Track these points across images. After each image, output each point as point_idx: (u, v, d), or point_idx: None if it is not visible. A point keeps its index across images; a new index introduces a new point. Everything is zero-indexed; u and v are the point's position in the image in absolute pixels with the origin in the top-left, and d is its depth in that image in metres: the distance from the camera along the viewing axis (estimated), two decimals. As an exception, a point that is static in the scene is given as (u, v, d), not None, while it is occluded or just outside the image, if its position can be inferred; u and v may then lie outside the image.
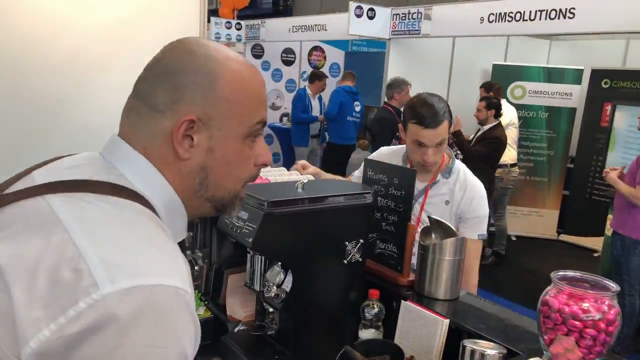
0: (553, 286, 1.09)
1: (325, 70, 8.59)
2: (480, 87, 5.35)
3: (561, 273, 1.12)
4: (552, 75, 6.26)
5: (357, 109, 6.17)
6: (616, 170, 3.59)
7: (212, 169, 0.75)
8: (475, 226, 1.82)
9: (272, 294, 1.31)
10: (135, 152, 0.74)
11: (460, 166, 1.91)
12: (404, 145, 1.92)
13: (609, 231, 3.94)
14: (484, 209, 1.86)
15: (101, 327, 0.57)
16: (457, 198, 1.84)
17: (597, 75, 6.02)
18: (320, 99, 6.88)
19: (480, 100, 4.92)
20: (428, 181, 1.86)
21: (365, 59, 7.91)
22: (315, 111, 6.70)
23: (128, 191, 0.70)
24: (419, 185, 1.81)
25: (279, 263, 1.33)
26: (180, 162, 0.74)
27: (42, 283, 0.59)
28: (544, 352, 1.10)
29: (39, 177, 0.73)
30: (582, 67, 6.13)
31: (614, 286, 1.06)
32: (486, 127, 4.80)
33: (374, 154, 2.14)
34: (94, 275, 0.59)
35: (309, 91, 6.66)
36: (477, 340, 1.18)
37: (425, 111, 1.75)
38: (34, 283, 0.59)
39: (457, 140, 4.60)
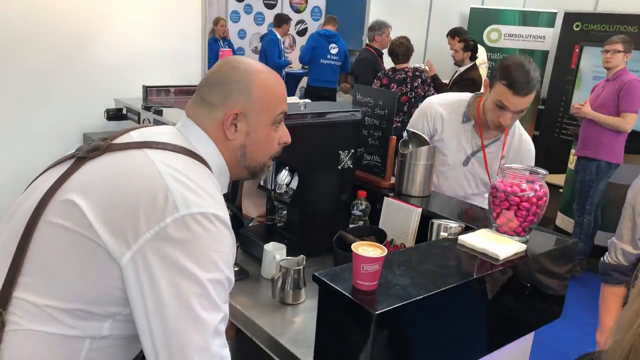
0: (500, 174, 1.44)
1: (306, 13, 8.68)
2: (447, 34, 5.54)
3: (507, 165, 1.46)
4: (527, 18, 6.51)
5: (333, 51, 6.19)
6: (584, 104, 3.96)
7: (249, 147, 1.14)
8: None
9: (283, 191, 1.64)
10: (200, 130, 1.10)
11: (516, 123, 1.97)
12: (468, 96, 1.98)
13: (572, 164, 4.34)
14: (532, 160, 2.00)
15: (179, 233, 0.91)
16: (514, 150, 1.98)
17: (570, 18, 6.28)
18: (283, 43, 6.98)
19: (459, 41, 5.17)
20: (494, 136, 1.96)
21: (346, 2, 8.00)
22: (284, 56, 6.82)
23: (196, 155, 1.06)
24: (485, 141, 1.95)
25: (287, 167, 1.65)
26: (228, 142, 1.11)
27: (144, 202, 0.93)
28: (492, 224, 1.45)
29: (136, 136, 1.08)
30: (556, 11, 6.39)
31: (543, 171, 1.40)
32: (462, 69, 5.08)
33: (436, 98, 2.14)
34: (176, 203, 0.93)
35: (278, 35, 6.72)
36: (442, 220, 1.53)
37: (520, 76, 1.72)
38: (139, 203, 0.94)
39: (434, 83, 4.89)
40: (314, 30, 6.85)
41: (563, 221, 4.58)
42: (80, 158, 1.03)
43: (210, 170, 1.08)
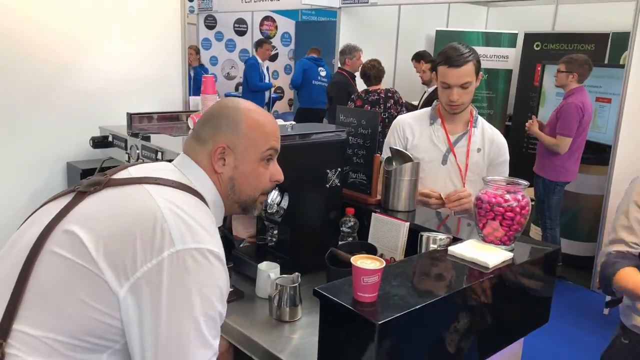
0: (484, 186, 1.50)
1: (276, 40, 8.82)
2: (412, 58, 5.75)
3: (489, 177, 1.53)
4: (490, 39, 6.77)
5: (322, 74, 6.52)
6: (533, 122, 4.13)
7: (237, 180, 1.19)
8: (503, 170, 2.08)
9: (274, 211, 1.67)
10: (196, 165, 1.16)
11: (481, 118, 2.13)
12: (433, 105, 2.14)
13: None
14: (507, 154, 2.11)
15: (175, 268, 0.95)
16: (487, 146, 2.07)
17: (530, 38, 6.58)
18: (268, 68, 7.13)
19: (425, 62, 5.35)
20: (461, 131, 2.08)
21: (315, 28, 8.17)
22: (267, 79, 6.97)
23: (193, 190, 1.11)
24: (452, 137, 2.07)
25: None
26: (217, 175, 1.17)
27: (142, 235, 0.96)
28: (479, 234, 1.51)
29: (135, 172, 1.12)
30: (517, 32, 6.67)
31: (524, 182, 1.48)
32: (431, 89, 5.24)
33: (404, 114, 2.32)
34: (172, 236, 0.97)
35: (259, 59, 6.87)
36: (431, 232, 1.59)
37: (451, 52, 1.93)
38: (137, 235, 0.97)
39: (406, 108, 5.04)
40: (284, 58, 7.00)
41: (536, 232, 4.72)
42: (81, 192, 1.06)
43: (207, 204, 1.12)
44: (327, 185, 1.77)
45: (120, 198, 1.04)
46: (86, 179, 1.10)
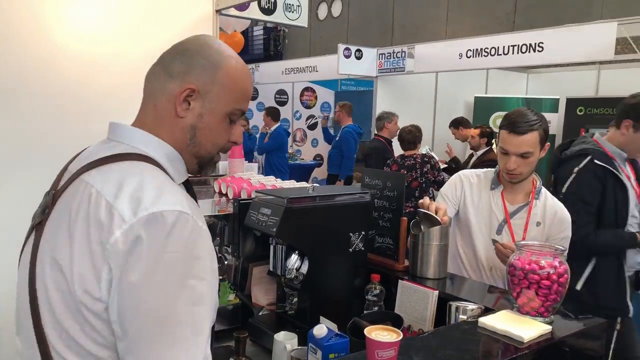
0: (517, 252, 1.39)
1: (316, 109, 9.03)
2: (450, 125, 5.77)
3: (523, 242, 1.42)
4: (531, 105, 6.69)
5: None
6: None
7: (199, 130, 1.02)
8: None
9: (292, 276, 1.59)
10: (132, 128, 1.01)
11: (545, 190, 1.97)
12: (496, 167, 2.00)
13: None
14: (568, 230, 1.93)
15: (133, 243, 0.84)
16: (548, 220, 1.91)
17: (572, 103, 6.45)
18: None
19: (475, 128, 5.39)
20: (521, 202, 1.94)
21: (354, 97, 8.33)
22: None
23: (133, 155, 0.96)
24: (510, 207, 1.94)
25: (296, 251, 1.62)
26: (177, 119, 1.01)
27: (93, 229, 0.87)
28: (513, 305, 1.38)
29: (74, 167, 1.00)
30: (558, 97, 6.58)
31: (561, 247, 1.35)
32: (479, 152, 5.23)
33: (467, 170, 2.23)
34: (122, 214, 0.85)
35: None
36: (460, 302, 1.46)
37: (516, 117, 1.81)
38: (86, 224, 0.88)
39: (456, 165, 4.99)
40: (318, 126, 7.13)
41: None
42: (37, 225, 0.98)
43: (157, 164, 0.98)
44: (351, 250, 1.68)
45: (65, 209, 0.93)
46: (39, 207, 1.01)
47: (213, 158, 1.08)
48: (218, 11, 2.52)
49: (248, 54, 11.18)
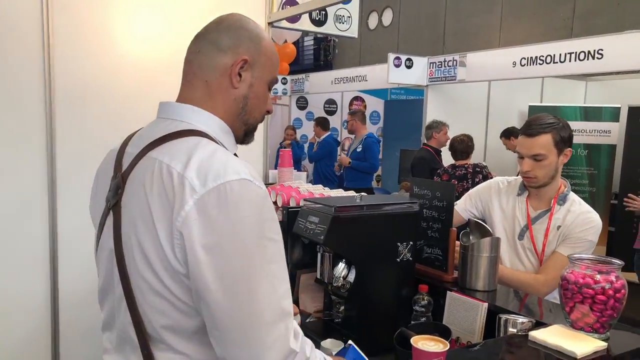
0: (570, 265, 1.35)
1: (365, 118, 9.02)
2: (501, 135, 5.60)
3: (577, 255, 1.38)
4: (589, 114, 6.44)
5: None
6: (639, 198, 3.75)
7: (250, 99, 1.08)
8: (579, 246, 1.82)
9: (340, 284, 1.60)
10: (183, 105, 1.05)
11: (575, 197, 1.93)
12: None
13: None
14: (593, 236, 1.85)
15: (205, 212, 0.88)
16: (569, 221, 1.87)
17: (635, 112, 6.15)
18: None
19: (516, 139, 5.19)
20: (544, 208, 1.93)
21: (403, 106, 8.29)
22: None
23: (193, 132, 1.01)
24: (532, 213, 1.94)
25: (344, 260, 1.63)
26: (231, 91, 1.06)
27: (168, 192, 0.91)
28: (566, 319, 1.34)
29: (133, 149, 1.04)
30: (619, 105, 6.29)
31: (618, 261, 1.30)
32: None
33: (500, 180, 2.17)
34: (192, 184, 0.90)
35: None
36: (510, 314, 1.43)
37: (530, 120, 1.85)
38: (163, 195, 0.92)
39: None
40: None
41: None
42: (114, 206, 1.02)
43: (211, 138, 1.02)
44: (398, 260, 1.68)
45: (139, 186, 0.97)
46: (109, 191, 1.05)
47: (256, 126, 1.15)
48: (270, 24, 2.59)
49: (298, 64, 11.35)
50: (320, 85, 8.24)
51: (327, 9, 2.73)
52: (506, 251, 2.00)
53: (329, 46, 11.93)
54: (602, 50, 4.67)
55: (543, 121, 1.84)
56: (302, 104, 8.75)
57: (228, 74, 1.05)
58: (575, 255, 1.36)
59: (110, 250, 1.01)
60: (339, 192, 2.08)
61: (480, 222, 1.75)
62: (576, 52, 4.86)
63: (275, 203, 2.11)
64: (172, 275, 0.92)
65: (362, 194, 1.78)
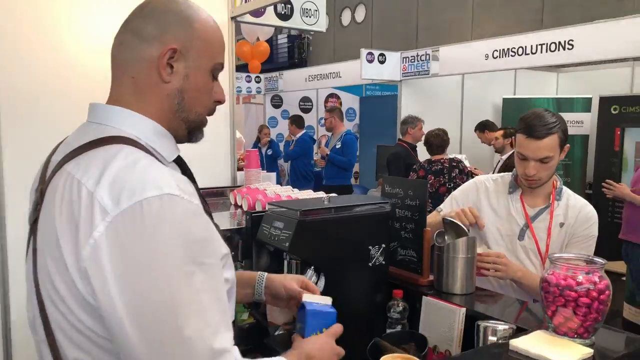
0: (551, 266, 1.26)
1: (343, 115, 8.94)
2: (475, 129, 5.60)
3: (557, 255, 1.29)
4: (562, 105, 6.47)
5: None
6: (618, 185, 3.75)
7: (187, 92, 0.94)
8: (587, 246, 1.79)
9: (308, 294, 1.50)
10: (111, 107, 0.92)
11: (568, 190, 1.88)
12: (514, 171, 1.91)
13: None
14: (595, 230, 1.82)
15: (116, 237, 0.76)
16: (572, 218, 1.81)
17: (606, 102, 6.19)
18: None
19: (499, 129, 5.20)
20: (542, 205, 1.84)
21: (379, 102, 8.23)
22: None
23: (115, 139, 0.87)
24: (530, 211, 1.84)
25: (312, 267, 1.52)
26: (162, 85, 0.92)
27: (75, 215, 0.79)
28: (548, 324, 1.25)
29: (56, 158, 0.92)
30: (591, 96, 6.33)
31: (601, 260, 1.22)
32: (505, 156, 5.03)
33: (483, 175, 2.13)
34: (103, 204, 0.78)
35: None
36: (490, 321, 1.34)
37: (533, 120, 1.71)
38: (71, 217, 0.80)
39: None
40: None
41: (631, 312, 4.14)
42: (33, 224, 0.90)
43: (141, 146, 0.88)
44: (370, 264, 1.58)
45: (51, 203, 0.85)
46: (31, 205, 0.94)
47: (202, 122, 1.00)
48: (233, 18, 2.47)
49: (273, 63, 11.21)
50: (295, 83, 8.14)
51: (292, 2, 2.62)
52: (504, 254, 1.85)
53: (303, 44, 11.82)
54: (572, 40, 4.67)
55: (547, 121, 1.70)
56: (277, 102, 8.63)
57: (156, 66, 0.91)
58: (555, 255, 1.28)
59: (29, 274, 0.89)
60: (308, 194, 1.97)
61: (455, 221, 1.66)
62: (547, 44, 4.85)
63: (240, 207, 1.99)
64: (88, 311, 0.79)
65: (332, 195, 1.67)
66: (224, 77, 2.73)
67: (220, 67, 1.00)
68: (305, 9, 2.68)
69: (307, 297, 1.23)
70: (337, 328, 1.19)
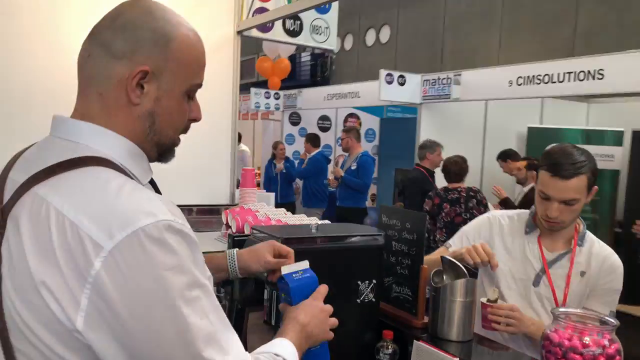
0: (555, 321, 1.11)
1: (360, 136, 8.82)
2: (498, 158, 5.40)
3: (562, 309, 1.14)
4: (592, 137, 6.21)
5: None
6: None
7: (158, 116, 0.87)
8: (609, 300, 1.63)
9: (286, 330, 1.36)
10: (80, 123, 0.83)
11: (592, 235, 1.72)
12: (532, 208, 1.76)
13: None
14: (620, 283, 1.66)
15: (118, 271, 0.70)
16: (595, 268, 1.65)
17: (639, 136, 5.93)
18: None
19: (522, 159, 5.00)
20: (562, 250, 1.68)
21: (400, 124, 8.10)
22: None
23: (91, 159, 0.79)
24: (548, 255, 1.68)
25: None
26: (131, 107, 0.85)
27: (62, 254, 0.71)
28: (550, 387, 1.10)
29: (18, 176, 0.81)
30: (623, 129, 6.08)
31: (613, 321, 1.07)
32: (526, 188, 4.82)
33: (499, 211, 1.97)
34: (95, 238, 0.71)
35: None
36: (483, 377, 1.19)
37: (560, 157, 1.56)
38: (52, 253, 0.71)
39: (506, 207, 4.60)
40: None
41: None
42: None
43: (116, 167, 0.81)
44: (359, 301, 1.44)
45: (25, 233, 0.75)
46: None
47: (174, 143, 0.94)
48: (239, 32, 2.39)
49: (295, 80, 11.21)
50: (313, 101, 8.07)
51: (302, 19, 2.54)
52: (515, 300, 1.69)
53: (326, 62, 11.80)
54: (602, 70, 4.48)
55: (576, 159, 1.54)
56: (295, 119, 8.56)
57: (124, 87, 0.83)
58: (560, 310, 1.13)
59: None
60: (300, 218, 1.85)
61: (454, 260, 1.51)
62: (575, 72, 4.66)
63: (230, 227, 1.88)
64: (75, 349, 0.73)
65: (324, 221, 1.55)
66: (227, 93, 2.68)
67: (197, 87, 0.92)
68: (315, 26, 2.59)
69: (285, 269, 1.18)
70: (322, 289, 1.19)
